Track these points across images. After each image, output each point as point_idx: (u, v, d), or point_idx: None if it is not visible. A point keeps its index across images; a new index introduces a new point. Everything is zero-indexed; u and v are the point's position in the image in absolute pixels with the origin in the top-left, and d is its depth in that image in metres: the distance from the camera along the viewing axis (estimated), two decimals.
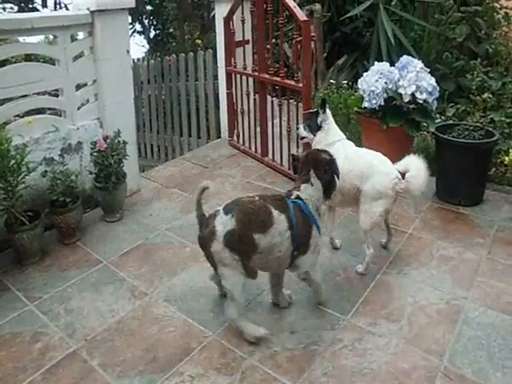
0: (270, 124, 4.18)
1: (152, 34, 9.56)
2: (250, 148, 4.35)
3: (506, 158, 3.35)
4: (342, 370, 2.07)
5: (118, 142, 3.31)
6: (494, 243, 2.95)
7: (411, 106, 3.56)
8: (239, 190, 3.70)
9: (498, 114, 4.04)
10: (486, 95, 4.47)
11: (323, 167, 2.25)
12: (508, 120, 3.96)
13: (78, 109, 3.40)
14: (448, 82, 5.65)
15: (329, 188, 2.28)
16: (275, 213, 2.15)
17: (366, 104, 3.62)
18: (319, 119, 2.85)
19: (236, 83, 4.43)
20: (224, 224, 2.12)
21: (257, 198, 2.20)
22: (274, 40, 4.23)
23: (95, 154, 3.22)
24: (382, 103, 3.54)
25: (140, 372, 2.09)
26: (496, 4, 5.78)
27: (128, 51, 3.57)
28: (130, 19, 9.49)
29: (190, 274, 2.75)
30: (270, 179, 3.88)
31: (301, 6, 6.35)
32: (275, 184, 3.79)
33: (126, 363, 2.14)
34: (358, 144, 4.20)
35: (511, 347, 2.17)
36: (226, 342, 2.25)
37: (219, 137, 5.08)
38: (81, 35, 3.52)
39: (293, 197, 2.25)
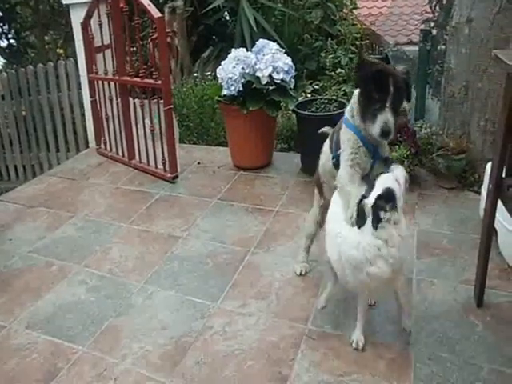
0: (134, 126, 4.10)
1: (5, 43, 8.80)
2: (117, 153, 4.23)
3: None
4: (213, 356, 2.09)
5: None
6: None
7: (270, 88, 3.66)
8: (108, 197, 3.59)
9: (348, 86, 4.32)
10: (338, 70, 4.78)
11: None
12: None
13: None
14: (310, 61, 6.01)
15: None
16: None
17: (224, 92, 3.66)
18: None
19: (99, 90, 4.28)
20: None
21: None
22: (141, 42, 4.14)
23: None
24: (241, 89, 3.60)
25: None
26: None
27: None
28: None
29: (57, 291, 2.60)
30: (138, 181, 3.80)
31: (163, 3, 6.30)
32: (143, 185, 3.73)
33: None
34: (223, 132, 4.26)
35: None
36: (98, 352, 2.17)
37: (88, 147, 4.89)
38: None
39: None
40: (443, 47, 4.18)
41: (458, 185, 3.31)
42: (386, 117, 1.92)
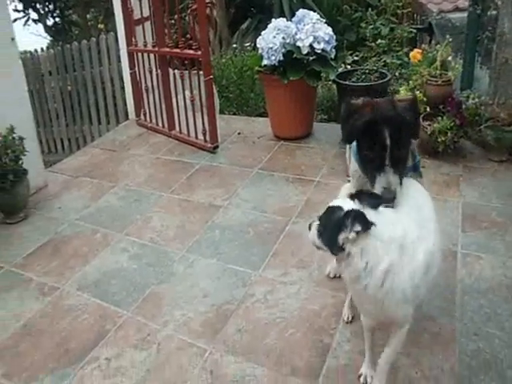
0: (174, 97, 4.11)
1: (50, 22, 9.00)
2: (157, 124, 4.26)
3: (397, 96, 3.48)
4: (255, 323, 2.11)
5: (13, 138, 3.13)
6: None
7: (311, 58, 3.59)
8: (148, 167, 3.64)
9: (389, 57, 4.21)
10: (379, 41, 4.65)
11: None
12: (399, 62, 4.12)
13: None
14: (350, 32, 5.88)
15: None
16: None
17: (265, 61, 3.62)
18: None
19: (138, 62, 4.31)
20: None
21: None
22: (180, 14, 4.12)
23: None
24: (282, 58, 3.55)
25: (51, 370, 2.00)
26: None
27: (13, 39, 3.32)
28: (21, 6, 8.90)
29: (102, 258, 2.68)
30: (178, 151, 3.83)
31: None
32: (183, 155, 3.75)
33: (34, 365, 2.04)
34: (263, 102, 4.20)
35: None
36: (141, 318, 2.22)
37: (127, 119, 4.95)
38: None
39: None
40: (494, 12, 3.95)
41: (510, 157, 3.17)
42: (386, 179, 1.57)
